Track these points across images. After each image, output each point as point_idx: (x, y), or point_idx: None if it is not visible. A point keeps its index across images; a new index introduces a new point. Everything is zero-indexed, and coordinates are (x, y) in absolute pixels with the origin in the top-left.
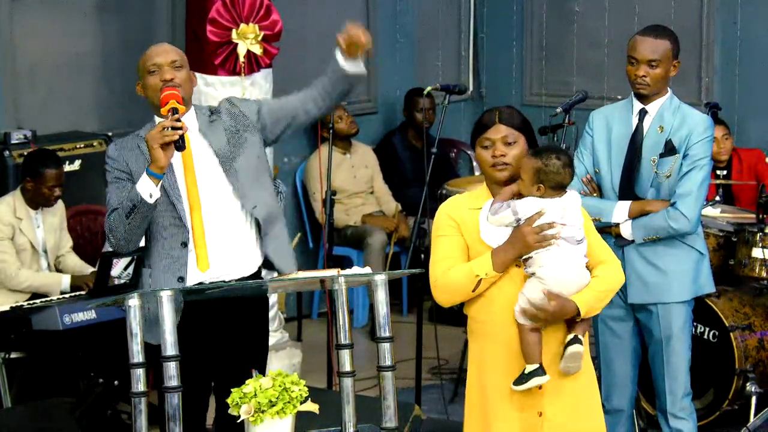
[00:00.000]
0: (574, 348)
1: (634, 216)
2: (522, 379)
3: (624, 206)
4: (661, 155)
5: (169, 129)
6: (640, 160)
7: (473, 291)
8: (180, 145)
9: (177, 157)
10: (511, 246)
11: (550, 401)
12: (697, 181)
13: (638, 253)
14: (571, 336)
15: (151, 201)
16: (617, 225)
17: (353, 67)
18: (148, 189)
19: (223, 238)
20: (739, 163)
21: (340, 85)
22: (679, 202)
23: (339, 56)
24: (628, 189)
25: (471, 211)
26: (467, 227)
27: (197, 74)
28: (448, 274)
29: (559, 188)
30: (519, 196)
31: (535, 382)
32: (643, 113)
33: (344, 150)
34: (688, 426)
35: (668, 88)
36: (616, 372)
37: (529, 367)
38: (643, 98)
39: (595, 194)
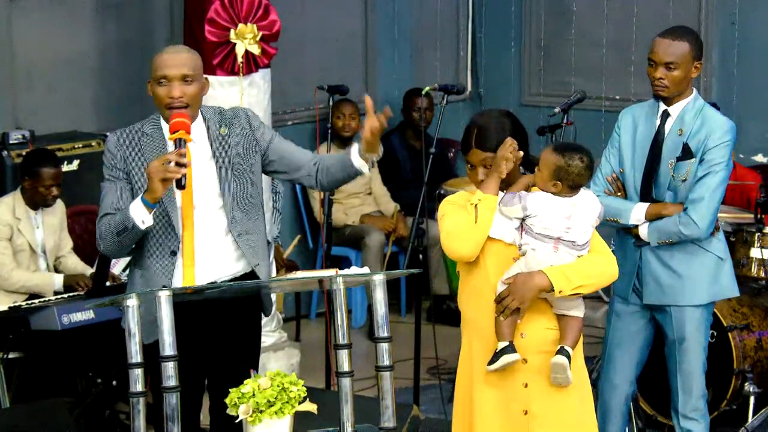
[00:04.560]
0: (554, 359)
1: (650, 218)
2: (494, 357)
3: (641, 208)
4: (678, 159)
5: (173, 164)
6: (660, 163)
7: (476, 222)
8: (181, 184)
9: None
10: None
11: (536, 399)
12: (710, 186)
13: (655, 255)
14: (558, 347)
15: (143, 227)
16: (636, 226)
17: (360, 163)
18: (140, 216)
19: (209, 257)
20: (735, 179)
21: (341, 172)
22: (690, 208)
23: (355, 150)
24: (646, 191)
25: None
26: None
27: None
28: (450, 220)
29: (576, 188)
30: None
31: (505, 359)
32: (665, 115)
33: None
34: (698, 427)
35: (693, 89)
36: (617, 365)
37: (500, 345)
38: (665, 99)
39: (619, 194)
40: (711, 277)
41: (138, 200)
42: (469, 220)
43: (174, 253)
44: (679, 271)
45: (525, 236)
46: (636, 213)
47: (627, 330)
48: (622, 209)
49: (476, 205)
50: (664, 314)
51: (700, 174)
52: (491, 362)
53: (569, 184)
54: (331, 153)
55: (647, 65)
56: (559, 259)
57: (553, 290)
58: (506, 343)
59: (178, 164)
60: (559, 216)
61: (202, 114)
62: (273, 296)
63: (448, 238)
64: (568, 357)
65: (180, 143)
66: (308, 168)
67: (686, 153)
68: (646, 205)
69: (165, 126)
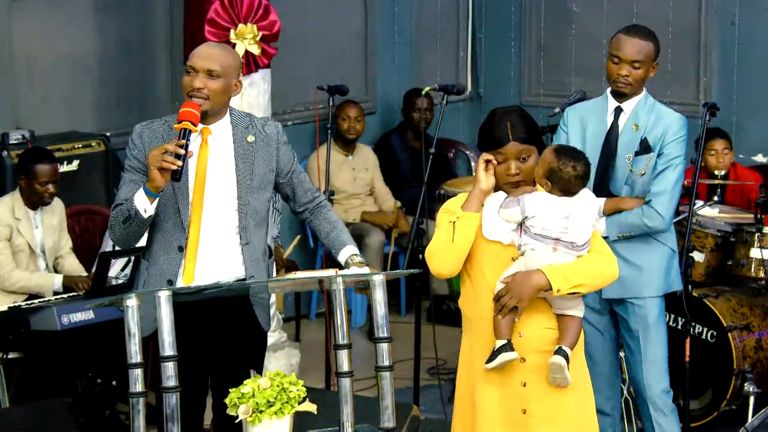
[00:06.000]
0: (552, 359)
1: (608, 213)
2: (492, 356)
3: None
4: (637, 153)
5: (171, 155)
6: (615, 158)
7: (453, 240)
8: (177, 176)
9: (192, 162)
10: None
11: (535, 398)
12: (671, 180)
13: (612, 249)
14: (557, 347)
15: (145, 216)
16: None
17: (343, 261)
18: (143, 204)
19: (213, 256)
20: (736, 179)
21: (322, 240)
22: (654, 201)
23: (346, 255)
24: (602, 186)
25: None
26: None
27: None
28: (434, 236)
29: (567, 193)
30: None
31: (503, 358)
32: (618, 111)
33: (347, 152)
34: (669, 423)
35: (643, 87)
36: (599, 364)
37: (498, 343)
38: (620, 96)
39: None
40: (665, 269)
41: (140, 189)
42: (447, 238)
43: (181, 249)
44: (637, 263)
45: (524, 236)
46: None
47: (596, 329)
48: None
49: (454, 222)
50: (624, 306)
51: (660, 168)
52: (489, 360)
53: (559, 187)
54: (331, 219)
55: (609, 61)
56: (558, 259)
57: (551, 289)
58: (504, 342)
59: (177, 155)
60: (558, 216)
61: (230, 115)
62: (273, 297)
63: (428, 256)
64: (566, 357)
65: (183, 133)
66: (301, 206)
67: (645, 147)
68: (602, 199)
69: None
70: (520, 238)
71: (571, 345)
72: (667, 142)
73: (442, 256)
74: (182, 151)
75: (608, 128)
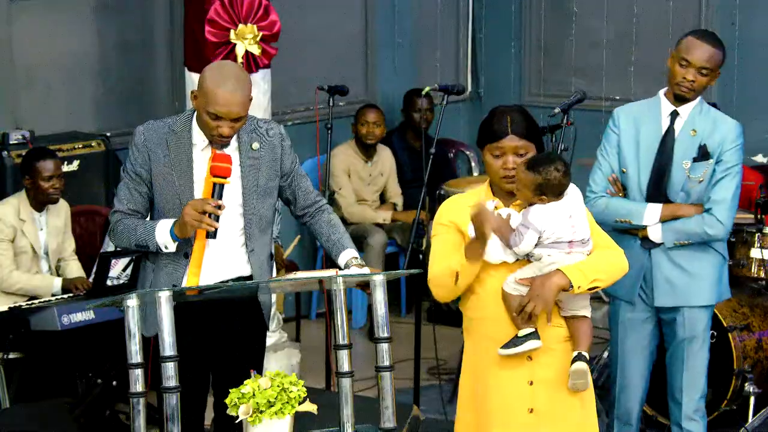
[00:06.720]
0: (575, 366)
1: (665, 220)
2: (515, 342)
3: (655, 209)
4: (695, 159)
5: (209, 216)
6: (671, 163)
7: (456, 284)
8: (213, 235)
9: (200, 166)
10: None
11: (541, 397)
12: (731, 188)
13: (666, 256)
14: (575, 353)
15: (164, 251)
16: (644, 227)
17: (342, 264)
18: (164, 242)
19: (219, 263)
20: None
21: (323, 244)
22: (714, 208)
23: (345, 258)
24: (657, 191)
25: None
26: (467, 226)
27: (195, 74)
28: (435, 269)
29: (561, 194)
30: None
31: (529, 345)
32: (674, 115)
33: (366, 157)
34: (699, 428)
35: None
36: (632, 373)
37: (524, 331)
38: (677, 100)
39: (620, 194)
40: (717, 277)
41: (167, 230)
42: (449, 278)
43: (186, 256)
44: (691, 271)
45: (537, 249)
46: (650, 214)
47: (637, 338)
48: (633, 210)
49: (458, 272)
50: (674, 314)
51: (718, 176)
52: (510, 346)
53: (554, 194)
54: (332, 221)
55: (676, 63)
56: (573, 259)
57: (572, 287)
58: (532, 330)
59: (213, 215)
60: (563, 218)
61: None
62: (273, 297)
63: (431, 282)
64: (588, 362)
65: (215, 190)
66: (302, 210)
67: (704, 154)
68: (659, 205)
69: (196, 128)
70: (533, 251)
71: (588, 348)
72: (726, 149)
73: (444, 291)
74: (219, 212)
75: (663, 132)
